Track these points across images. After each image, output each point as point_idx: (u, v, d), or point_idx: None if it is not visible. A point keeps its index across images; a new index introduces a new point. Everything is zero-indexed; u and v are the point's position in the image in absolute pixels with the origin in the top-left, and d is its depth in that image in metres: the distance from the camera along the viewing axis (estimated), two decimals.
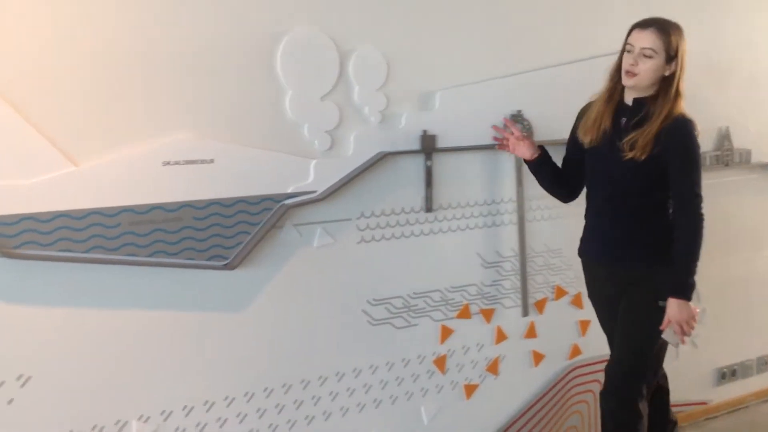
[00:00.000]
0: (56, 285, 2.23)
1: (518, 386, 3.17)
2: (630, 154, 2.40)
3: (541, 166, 2.72)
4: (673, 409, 3.11)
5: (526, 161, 2.76)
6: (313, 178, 2.61)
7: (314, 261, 2.68)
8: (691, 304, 2.46)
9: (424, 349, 2.95)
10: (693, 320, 2.45)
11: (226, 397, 2.56)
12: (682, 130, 2.42)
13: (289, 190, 2.57)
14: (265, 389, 2.63)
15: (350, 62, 2.63)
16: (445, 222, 2.91)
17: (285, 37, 2.49)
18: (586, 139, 2.55)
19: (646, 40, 2.37)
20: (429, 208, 2.86)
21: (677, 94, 2.43)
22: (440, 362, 2.96)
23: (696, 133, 2.45)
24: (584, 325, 3.28)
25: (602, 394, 2.69)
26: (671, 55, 2.39)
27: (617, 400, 2.62)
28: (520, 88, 2.95)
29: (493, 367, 3.08)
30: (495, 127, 2.85)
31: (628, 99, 2.48)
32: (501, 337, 3.09)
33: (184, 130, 2.38)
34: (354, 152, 2.66)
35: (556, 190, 2.80)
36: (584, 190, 2.78)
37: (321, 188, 2.62)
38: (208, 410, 2.52)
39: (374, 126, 2.71)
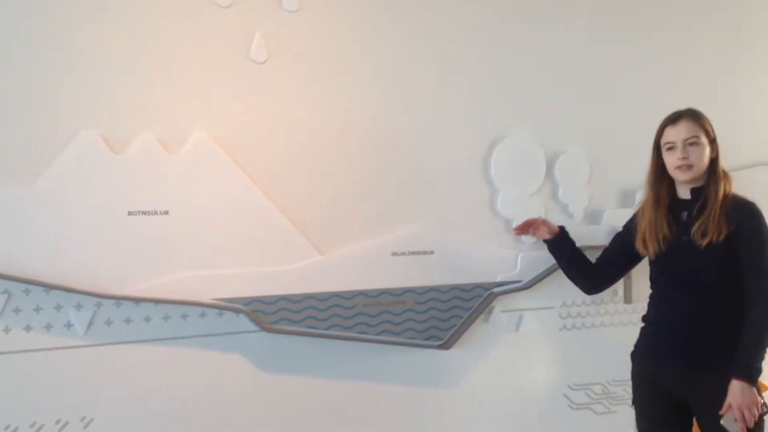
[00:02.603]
0: (301, 356, 2.61)
1: None
2: (706, 240, 2.29)
3: (557, 244, 2.74)
4: None
5: (545, 241, 2.78)
6: (520, 268, 2.88)
7: (519, 345, 2.91)
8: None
9: None
10: (756, 407, 2.19)
11: None
12: (750, 213, 2.32)
13: (498, 279, 2.85)
14: None
15: (557, 163, 2.91)
16: (644, 314, 3.03)
17: (499, 143, 2.81)
18: (648, 251, 2.45)
19: (685, 130, 2.34)
20: (628, 300, 3.02)
21: (725, 173, 2.38)
22: None
23: (762, 214, 2.33)
24: None
25: None
26: (712, 138, 2.38)
27: None
28: None
29: None
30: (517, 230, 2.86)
31: (684, 193, 2.41)
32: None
33: (410, 226, 2.73)
34: None
35: (580, 277, 2.74)
36: (613, 287, 2.86)
37: (526, 278, 2.88)
38: None
39: (577, 221, 2.94)
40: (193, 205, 2.41)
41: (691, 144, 2.34)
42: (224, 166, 2.43)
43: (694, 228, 2.33)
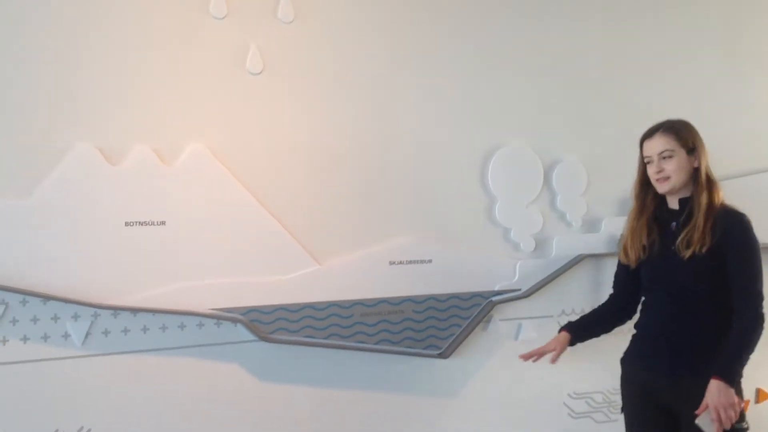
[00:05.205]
0: (299, 366, 2.61)
1: None
2: (689, 252, 2.29)
3: (581, 339, 2.62)
4: None
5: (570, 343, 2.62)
6: (518, 277, 2.88)
7: (518, 353, 2.87)
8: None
9: None
10: (732, 408, 2.14)
11: None
12: (737, 224, 2.30)
13: (497, 288, 2.85)
14: None
15: (554, 173, 2.91)
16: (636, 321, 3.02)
17: (496, 152, 2.82)
18: (630, 259, 2.47)
19: (659, 144, 2.37)
20: None
21: (710, 182, 2.37)
22: None
23: (752, 226, 2.33)
24: None
25: None
26: (690, 148, 2.37)
27: None
28: None
29: None
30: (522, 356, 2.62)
31: (673, 203, 2.43)
32: None
33: (407, 235, 2.73)
34: (556, 254, 2.90)
35: (611, 327, 2.64)
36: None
37: (525, 287, 2.88)
38: None
39: (575, 230, 2.94)
40: (189, 215, 2.42)
41: (665, 157, 2.36)
42: (220, 176, 2.44)
43: (679, 239, 2.34)
